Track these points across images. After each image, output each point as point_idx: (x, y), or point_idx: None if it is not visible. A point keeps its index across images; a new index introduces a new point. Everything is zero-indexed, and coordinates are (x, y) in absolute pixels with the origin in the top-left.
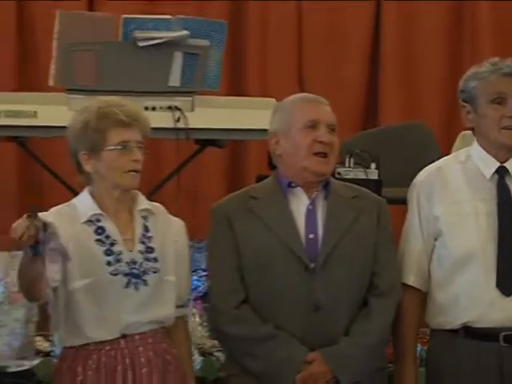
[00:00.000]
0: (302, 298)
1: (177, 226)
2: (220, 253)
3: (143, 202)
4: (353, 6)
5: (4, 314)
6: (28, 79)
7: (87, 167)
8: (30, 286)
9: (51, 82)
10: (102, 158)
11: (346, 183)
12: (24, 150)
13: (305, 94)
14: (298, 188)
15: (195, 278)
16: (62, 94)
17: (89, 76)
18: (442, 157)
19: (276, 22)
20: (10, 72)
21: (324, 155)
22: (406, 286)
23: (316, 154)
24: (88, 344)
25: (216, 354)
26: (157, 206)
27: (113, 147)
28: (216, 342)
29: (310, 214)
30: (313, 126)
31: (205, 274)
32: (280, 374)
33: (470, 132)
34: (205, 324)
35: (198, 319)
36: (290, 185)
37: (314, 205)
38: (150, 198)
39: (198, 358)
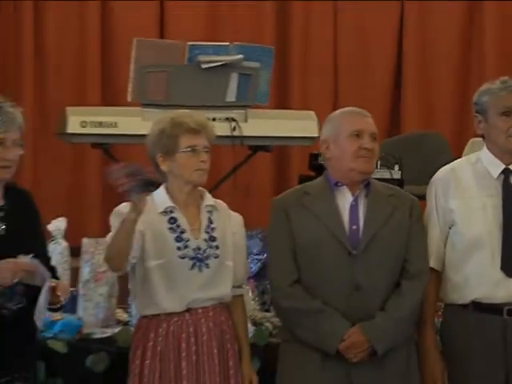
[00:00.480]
0: (345, 279)
1: (236, 219)
2: (278, 239)
3: (209, 199)
4: (377, 39)
5: (90, 290)
6: (110, 96)
7: (163, 167)
8: (118, 254)
9: (129, 98)
10: (176, 159)
11: (384, 183)
12: (107, 155)
13: (352, 108)
14: (344, 187)
15: (248, 260)
16: (138, 108)
17: (160, 93)
18: (454, 160)
19: (315, 46)
20: (97, 90)
21: (367, 158)
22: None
23: (360, 157)
24: (159, 315)
25: (266, 324)
26: (220, 203)
27: (184, 150)
28: (266, 313)
29: (353, 208)
30: (358, 134)
31: (256, 257)
32: (326, 343)
33: (478, 139)
34: (256, 299)
35: (250, 295)
36: (336, 184)
37: (357, 201)
38: (210, 194)
39: (250, 328)
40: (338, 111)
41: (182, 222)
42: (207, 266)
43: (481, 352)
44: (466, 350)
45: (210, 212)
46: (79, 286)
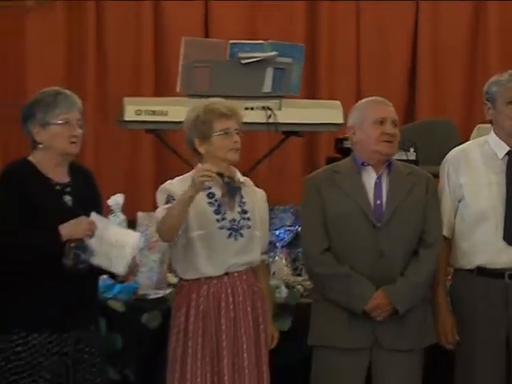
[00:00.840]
0: (370, 248)
1: (260, 195)
2: (310, 213)
3: (240, 177)
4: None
5: (145, 257)
6: (162, 88)
7: (200, 150)
8: (171, 227)
9: (178, 90)
10: (211, 142)
11: (404, 163)
12: (158, 140)
13: (376, 98)
14: (369, 167)
15: (282, 231)
16: (185, 98)
17: (204, 85)
18: (462, 143)
19: (340, 42)
20: (150, 83)
21: (390, 142)
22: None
23: (383, 141)
24: (199, 279)
25: (297, 286)
26: (247, 180)
27: (218, 133)
28: (297, 277)
29: (377, 185)
30: (381, 121)
31: (288, 228)
32: (353, 305)
33: (484, 125)
34: (289, 265)
35: (284, 261)
36: (362, 164)
37: (380, 179)
38: (248, 174)
39: (284, 290)
40: (363, 100)
41: (218, 196)
42: (241, 235)
43: (485, 311)
44: (472, 309)
45: (240, 188)
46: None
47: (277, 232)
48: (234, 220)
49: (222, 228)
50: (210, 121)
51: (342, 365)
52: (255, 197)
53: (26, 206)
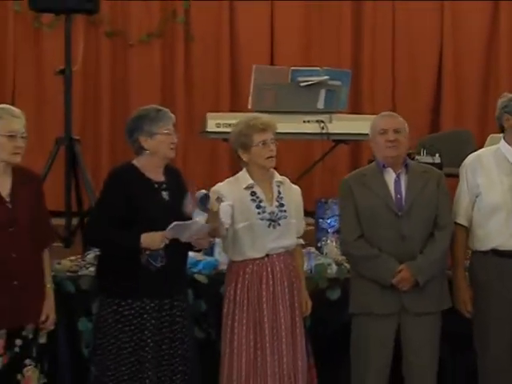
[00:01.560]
0: (394, 233)
1: (296, 191)
2: (345, 207)
3: (277, 177)
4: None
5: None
6: (236, 105)
7: (244, 158)
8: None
9: (249, 106)
10: (252, 151)
11: (418, 163)
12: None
13: (383, 112)
14: (389, 168)
15: (333, 220)
16: (255, 114)
17: (271, 103)
18: (477, 150)
19: (379, 68)
20: (227, 101)
21: (394, 146)
22: (459, 225)
23: (387, 147)
24: (245, 260)
25: (345, 264)
26: (285, 179)
27: (257, 144)
28: (344, 257)
29: (397, 183)
30: (384, 131)
31: (338, 218)
32: (383, 279)
33: (495, 135)
34: (338, 247)
35: (334, 244)
36: (383, 166)
37: (399, 177)
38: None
39: (334, 266)
40: (375, 116)
41: (260, 194)
42: (279, 224)
43: (498, 287)
44: (486, 284)
45: (278, 186)
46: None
47: (328, 221)
48: (272, 212)
49: (262, 219)
50: (251, 134)
51: (376, 328)
52: (291, 192)
53: (129, 203)
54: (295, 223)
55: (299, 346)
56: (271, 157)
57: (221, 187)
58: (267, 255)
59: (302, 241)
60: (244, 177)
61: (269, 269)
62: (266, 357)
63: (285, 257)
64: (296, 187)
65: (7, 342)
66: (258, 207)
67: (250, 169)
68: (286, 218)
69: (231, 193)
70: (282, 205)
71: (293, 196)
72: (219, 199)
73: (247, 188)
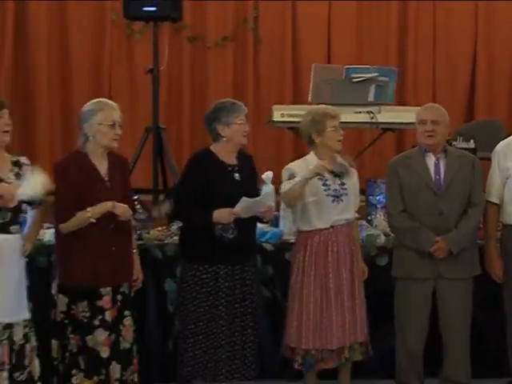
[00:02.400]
0: (433, 209)
1: (354, 174)
2: (391, 185)
3: (340, 159)
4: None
5: (286, 213)
6: (298, 98)
7: (316, 141)
8: (293, 200)
9: (309, 99)
10: (325, 135)
11: (455, 148)
12: (295, 135)
13: (428, 104)
14: (429, 152)
15: (381, 197)
16: (314, 106)
17: (328, 96)
18: (507, 137)
19: (421, 66)
20: (290, 95)
21: (430, 135)
22: (491, 203)
23: (425, 136)
24: (312, 230)
25: (392, 234)
26: (346, 162)
27: (330, 129)
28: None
29: (436, 166)
30: (423, 122)
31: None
32: (422, 248)
33: None
34: (385, 220)
35: (382, 217)
36: (425, 151)
37: (438, 161)
38: (357, 158)
39: (382, 237)
40: (419, 107)
41: (326, 174)
42: (342, 200)
43: None
44: None
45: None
46: (280, 210)
47: (377, 197)
48: (336, 189)
49: (327, 195)
50: (324, 121)
51: (415, 290)
52: (352, 174)
53: (206, 183)
54: (354, 199)
55: (358, 303)
56: (340, 140)
57: (293, 166)
58: (332, 226)
59: (358, 215)
60: (312, 158)
61: (333, 238)
62: (331, 312)
63: (346, 228)
64: (354, 171)
65: (112, 298)
66: (324, 185)
67: (317, 151)
68: (346, 194)
69: (301, 171)
70: (343, 183)
71: (352, 177)
72: (292, 175)
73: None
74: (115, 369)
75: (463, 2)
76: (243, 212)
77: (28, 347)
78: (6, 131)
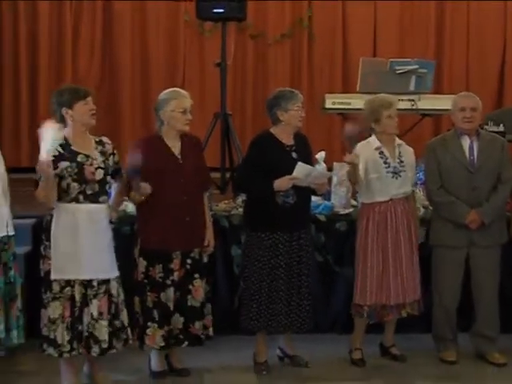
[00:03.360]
0: (467, 185)
1: (410, 151)
2: (430, 164)
3: (398, 140)
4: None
5: (337, 189)
6: (348, 88)
7: (375, 127)
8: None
9: (357, 89)
10: (382, 122)
11: (487, 132)
12: (344, 119)
13: (462, 92)
14: (465, 135)
15: (421, 174)
16: (361, 94)
17: (374, 86)
18: None
19: (457, 59)
20: (340, 85)
21: (469, 121)
22: None
23: (464, 122)
24: (373, 203)
25: (430, 207)
26: (403, 142)
27: (386, 117)
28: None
29: (471, 147)
30: (463, 109)
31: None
32: (457, 219)
33: None
34: (424, 195)
35: (421, 192)
36: (460, 133)
37: (472, 143)
38: (401, 139)
39: (422, 209)
40: (457, 95)
41: (386, 153)
42: (400, 176)
43: None
44: None
45: (398, 147)
46: (332, 186)
47: (417, 175)
48: (395, 167)
49: (388, 172)
50: (381, 110)
51: (450, 256)
52: (408, 152)
53: (267, 161)
54: (410, 175)
55: (415, 266)
56: (396, 126)
57: (357, 147)
58: (391, 199)
59: (414, 188)
60: (374, 140)
61: (392, 209)
62: (389, 274)
63: (403, 201)
64: (410, 148)
65: (181, 261)
66: (385, 163)
67: (378, 136)
68: (404, 171)
69: (363, 151)
70: (401, 161)
71: (408, 155)
72: (356, 155)
73: (376, 149)
74: (178, 320)
75: (494, 2)
76: (299, 175)
77: (120, 300)
78: (93, 114)
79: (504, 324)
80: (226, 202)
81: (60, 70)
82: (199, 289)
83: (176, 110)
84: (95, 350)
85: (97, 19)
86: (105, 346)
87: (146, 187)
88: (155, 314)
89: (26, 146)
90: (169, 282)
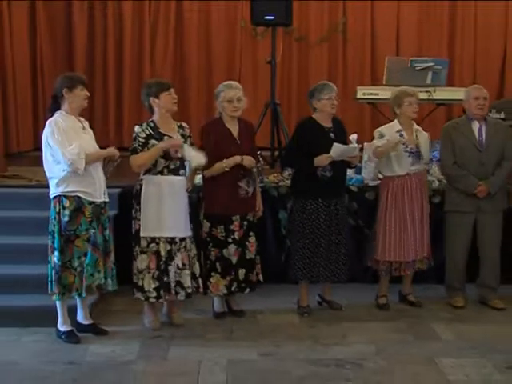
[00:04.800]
0: (477, 161)
1: (425, 134)
2: (445, 143)
3: (415, 125)
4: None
5: (367, 164)
6: (375, 81)
7: (397, 112)
8: (382, 153)
9: (384, 82)
10: (403, 107)
11: (492, 118)
12: (374, 109)
13: (475, 85)
14: (475, 120)
15: (436, 153)
16: (387, 87)
17: (398, 79)
18: None
19: (465, 57)
20: (369, 79)
21: (482, 108)
22: None
23: (477, 108)
24: (393, 176)
25: (443, 180)
26: (419, 128)
27: (406, 104)
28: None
29: (479, 130)
30: (477, 98)
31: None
32: (468, 189)
33: None
34: (438, 170)
35: (436, 168)
36: (471, 119)
37: (481, 127)
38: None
39: (436, 182)
40: (470, 87)
41: (405, 135)
42: (415, 155)
43: None
44: None
45: (416, 131)
46: (363, 162)
47: (433, 153)
48: (412, 148)
49: (406, 151)
50: (402, 97)
51: (461, 219)
52: (423, 135)
53: (309, 141)
54: (425, 155)
55: (425, 228)
56: (415, 112)
57: (382, 129)
58: (407, 174)
59: (427, 166)
60: (396, 124)
61: (408, 182)
62: (407, 235)
63: (418, 175)
64: (426, 133)
65: (240, 223)
66: (404, 144)
67: (399, 120)
68: (419, 151)
69: (387, 133)
70: (418, 143)
71: (424, 138)
72: (381, 135)
73: (397, 131)
74: (241, 272)
75: (497, 7)
76: (336, 155)
77: (192, 254)
78: (175, 103)
79: (503, 276)
80: (275, 175)
81: (141, 65)
82: (253, 244)
83: (224, 100)
84: (182, 294)
85: (170, 27)
86: (189, 291)
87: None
88: (218, 266)
89: (112, 130)
90: (230, 240)
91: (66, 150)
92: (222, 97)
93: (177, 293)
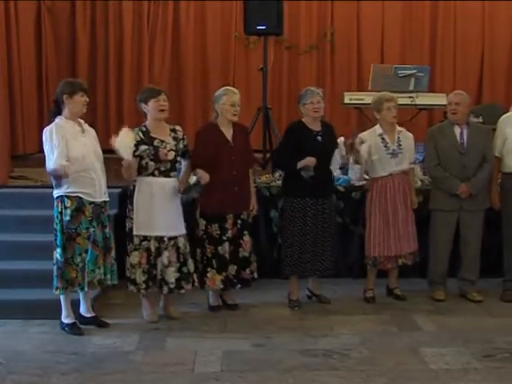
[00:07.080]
0: (459, 164)
1: (409, 135)
2: (430, 146)
3: (399, 128)
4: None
5: (353, 165)
6: (361, 86)
7: (378, 117)
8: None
9: (369, 88)
10: (382, 113)
11: (474, 122)
12: (359, 113)
13: (456, 91)
14: (456, 125)
15: (419, 154)
16: (372, 92)
17: (382, 86)
18: (506, 113)
19: (445, 65)
20: (355, 85)
21: (454, 114)
22: (495, 157)
23: (451, 114)
24: (377, 177)
25: (426, 180)
26: (403, 129)
27: (385, 109)
28: (425, 177)
29: (461, 134)
30: (450, 103)
31: (422, 153)
32: (451, 190)
33: None
34: (421, 171)
35: (419, 168)
36: (452, 123)
37: (463, 130)
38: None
39: (419, 182)
40: (451, 94)
41: (387, 138)
42: (397, 156)
43: None
44: (508, 191)
45: (398, 133)
46: (349, 163)
47: (416, 155)
48: (393, 149)
49: (387, 153)
50: (382, 102)
51: (444, 217)
52: (407, 137)
53: (297, 143)
54: (408, 155)
55: (410, 226)
56: (394, 117)
57: (364, 134)
58: (390, 174)
59: (413, 165)
60: (378, 128)
61: (391, 182)
62: (389, 232)
63: (401, 175)
64: (410, 134)
65: (233, 221)
66: (385, 146)
67: (381, 123)
68: (402, 152)
69: (370, 137)
70: (400, 145)
71: (408, 139)
72: (362, 141)
73: (379, 135)
74: (232, 268)
75: (475, 17)
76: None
77: (186, 251)
78: (162, 110)
79: (482, 270)
80: (267, 176)
81: (140, 69)
82: (248, 242)
83: (226, 103)
84: (165, 289)
85: (167, 37)
86: (172, 286)
87: (204, 177)
88: (214, 262)
89: (114, 131)
90: (225, 237)
91: (49, 160)
92: (225, 100)
93: (161, 287)
